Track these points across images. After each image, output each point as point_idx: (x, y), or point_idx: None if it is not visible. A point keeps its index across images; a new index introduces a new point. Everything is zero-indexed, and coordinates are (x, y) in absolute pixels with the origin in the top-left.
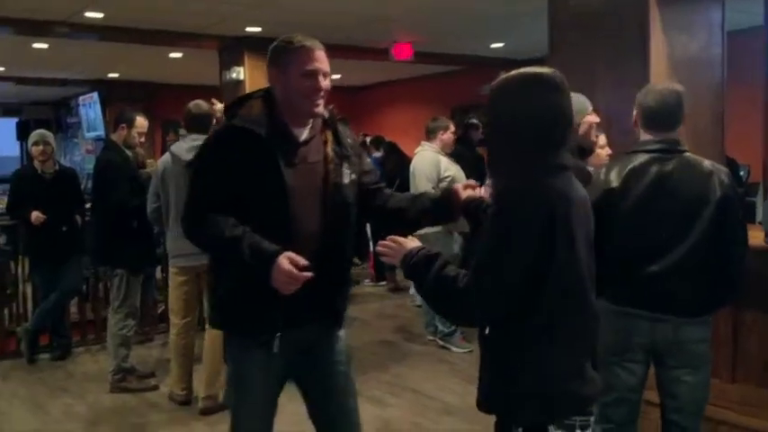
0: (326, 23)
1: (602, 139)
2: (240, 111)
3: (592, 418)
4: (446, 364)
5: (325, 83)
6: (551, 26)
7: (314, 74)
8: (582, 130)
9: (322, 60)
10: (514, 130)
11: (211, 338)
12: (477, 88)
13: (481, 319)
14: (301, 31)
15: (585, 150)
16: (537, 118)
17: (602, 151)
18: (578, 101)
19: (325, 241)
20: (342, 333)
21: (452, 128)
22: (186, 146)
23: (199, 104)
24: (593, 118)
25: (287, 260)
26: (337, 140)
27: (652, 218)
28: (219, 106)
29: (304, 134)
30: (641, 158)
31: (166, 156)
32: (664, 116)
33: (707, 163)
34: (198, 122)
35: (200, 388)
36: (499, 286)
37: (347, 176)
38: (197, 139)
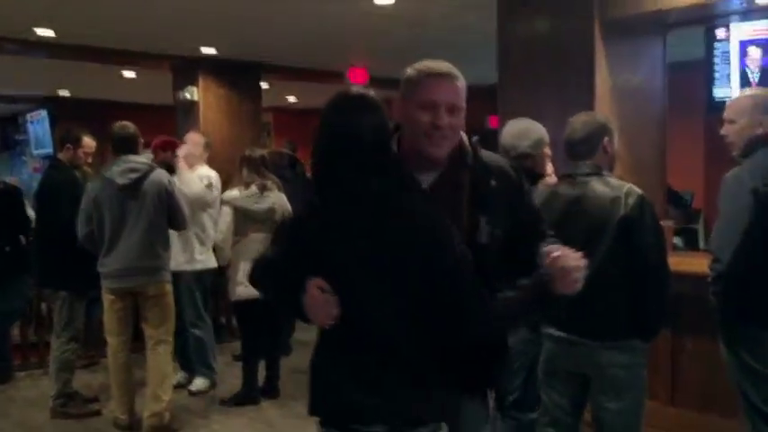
0: (282, 47)
1: (549, 167)
2: None
3: None
4: None
5: (448, 119)
6: (500, 56)
7: (433, 106)
8: (539, 159)
9: (449, 90)
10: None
11: (155, 356)
12: None
13: None
14: (256, 53)
15: (536, 177)
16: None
17: (549, 178)
18: (539, 131)
19: None
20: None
21: None
22: (119, 169)
23: (124, 126)
24: (548, 151)
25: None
26: (475, 183)
27: (560, 240)
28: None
29: (427, 178)
30: (557, 185)
31: (97, 179)
32: (574, 145)
33: (615, 185)
34: (123, 143)
35: (144, 407)
36: None
37: (485, 233)
38: (130, 162)
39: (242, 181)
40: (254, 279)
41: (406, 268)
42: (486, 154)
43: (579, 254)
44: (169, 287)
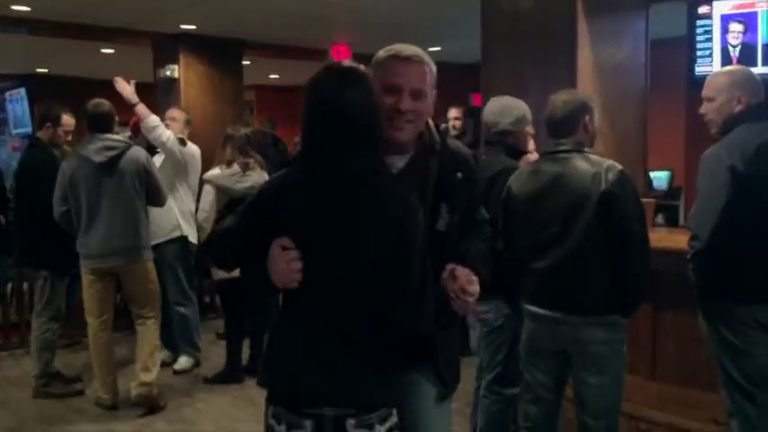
0: (264, 23)
1: (531, 145)
2: None
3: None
4: None
5: (411, 104)
6: (483, 32)
7: (397, 89)
8: (521, 136)
9: (411, 73)
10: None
11: (142, 331)
12: None
13: None
14: (238, 30)
15: (518, 153)
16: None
17: (531, 156)
18: (522, 108)
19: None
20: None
21: None
22: (94, 147)
23: (99, 103)
24: (531, 130)
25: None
26: (441, 171)
27: (541, 216)
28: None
29: (397, 163)
30: (538, 162)
31: (72, 157)
32: (555, 124)
33: (595, 161)
34: (99, 122)
35: (132, 378)
36: None
37: (444, 221)
38: (106, 140)
39: (224, 159)
40: (212, 245)
41: (373, 256)
42: (454, 143)
43: (470, 274)
44: (151, 265)
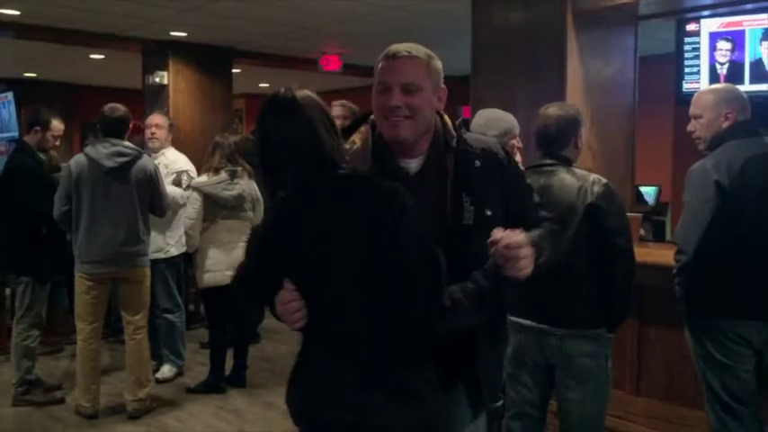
0: (254, 31)
1: (518, 157)
2: (347, 138)
3: None
4: None
5: (403, 99)
6: (473, 45)
7: (387, 87)
8: (506, 149)
9: (400, 69)
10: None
11: (136, 343)
12: None
13: None
14: (228, 37)
15: None
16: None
17: None
18: (508, 121)
19: None
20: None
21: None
22: (106, 151)
23: (115, 108)
24: (518, 143)
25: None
26: (458, 166)
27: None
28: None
29: (413, 165)
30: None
31: (81, 158)
32: (542, 137)
33: (581, 175)
34: (113, 127)
35: (127, 392)
36: None
37: (470, 214)
38: (117, 145)
39: (212, 167)
40: (238, 291)
41: (364, 266)
42: (472, 136)
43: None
44: (148, 272)
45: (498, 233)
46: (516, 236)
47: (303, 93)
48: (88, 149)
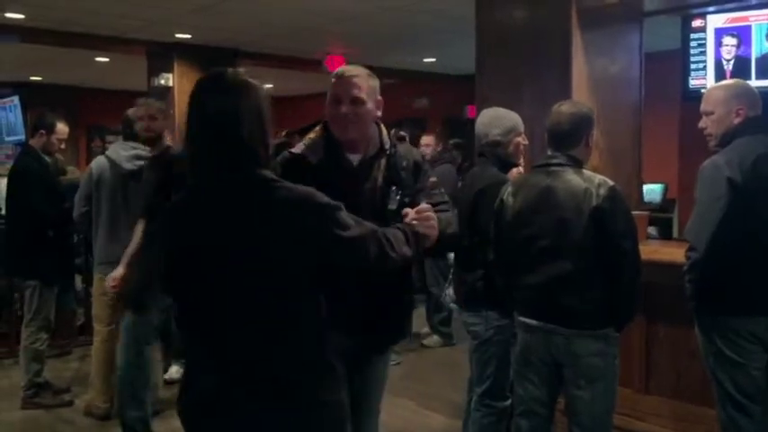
0: (259, 33)
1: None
2: (305, 135)
3: None
4: None
5: (350, 108)
6: (478, 44)
7: (338, 99)
8: (512, 147)
9: (348, 86)
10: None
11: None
12: (409, 101)
13: None
14: (232, 39)
15: (509, 165)
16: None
17: (514, 170)
18: (512, 119)
19: None
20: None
21: None
22: (126, 154)
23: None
24: (523, 140)
25: None
26: (389, 165)
27: (532, 229)
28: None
29: (355, 159)
30: (530, 174)
31: (102, 160)
32: (555, 135)
33: (587, 177)
34: (134, 130)
35: None
36: None
37: (394, 201)
38: (137, 148)
39: None
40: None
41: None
42: (404, 146)
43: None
44: None
45: (409, 210)
46: (424, 206)
47: (246, 77)
48: (110, 152)
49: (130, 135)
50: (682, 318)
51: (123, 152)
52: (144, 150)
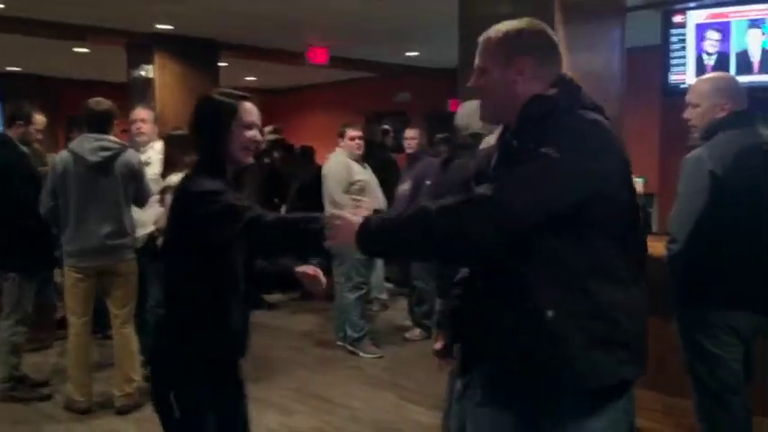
0: (241, 24)
1: None
2: None
3: None
4: (354, 370)
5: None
6: (461, 37)
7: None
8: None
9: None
10: None
11: (123, 337)
12: (392, 95)
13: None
14: (214, 30)
15: None
16: None
17: None
18: None
19: None
20: None
21: (352, 134)
22: (90, 146)
23: (99, 102)
24: None
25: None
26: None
27: None
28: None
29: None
30: None
31: (66, 154)
32: None
33: None
34: (97, 121)
35: (115, 387)
36: None
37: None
38: (102, 140)
39: (184, 164)
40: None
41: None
42: None
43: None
44: (135, 265)
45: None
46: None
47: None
48: (72, 144)
49: (97, 127)
50: (660, 310)
51: (87, 144)
52: (109, 141)
